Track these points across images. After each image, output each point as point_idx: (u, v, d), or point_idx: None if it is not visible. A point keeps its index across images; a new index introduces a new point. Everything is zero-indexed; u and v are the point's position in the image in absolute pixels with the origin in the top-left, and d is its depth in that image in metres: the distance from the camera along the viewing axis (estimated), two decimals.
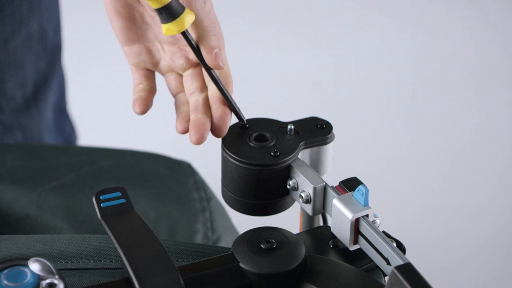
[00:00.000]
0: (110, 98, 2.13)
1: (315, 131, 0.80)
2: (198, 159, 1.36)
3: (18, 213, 0.98)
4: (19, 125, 1.27)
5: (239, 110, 0.79)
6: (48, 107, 1.30)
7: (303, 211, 0.84)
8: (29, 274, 0.63)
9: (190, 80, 0.83)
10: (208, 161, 1.35)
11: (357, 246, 0.72)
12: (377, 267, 0.71)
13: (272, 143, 0.77)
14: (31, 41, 1.21)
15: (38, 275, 0.63)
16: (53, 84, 1.29)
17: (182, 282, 0.62)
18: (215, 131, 0.78)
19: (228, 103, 0.78)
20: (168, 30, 0.74)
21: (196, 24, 0.77)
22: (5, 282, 0.62)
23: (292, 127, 0.79)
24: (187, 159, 1.12)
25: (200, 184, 1.07)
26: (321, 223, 0.84)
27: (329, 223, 0.76)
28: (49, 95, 1.29)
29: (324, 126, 0.80)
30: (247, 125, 0.79)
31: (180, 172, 1.08)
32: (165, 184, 1.05)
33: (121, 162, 1.07)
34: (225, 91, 0.78)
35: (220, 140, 0.78)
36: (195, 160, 1.19)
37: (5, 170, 1.03)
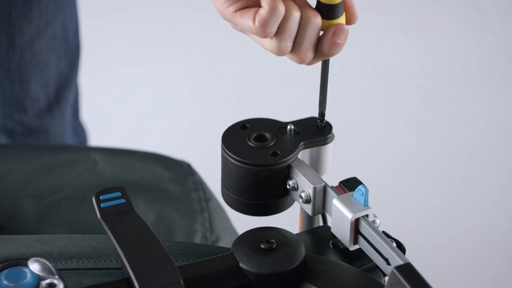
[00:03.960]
0: (110, 98, 2.13)
1: (315, 131, 0.80)
2: (198, 159, 1.36)
3: (19, 225, 0.99)
4: (43, 127, 1.28)
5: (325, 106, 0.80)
6: (68, 108, 1.31)
7: (303, 211, 0.84)
8: (29, 274, 0.63)
9: None
10: (208, 161, 1.35)
11: (357, 246, 0.72)
12: (377, 267, 0.71)
13: (272, 143, 0.77)
14: (55, 41, 1.22)
15: (38, 275, 0.63)
16: (72, 84, 1.29)
17: (182, 282, 0.62)
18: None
19: (322, 94, 0.79)
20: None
21: None
22: (5, 282, 0.62)
23: (292, 127, 0.79)
24: (187, 159, 1.12)
25: (199, 185, 1.07)
26: (321, 223, 0.84)
27: (329, 223, 0.76)
28: (69, 96, 1.30)
29: (324, 126, 0.80)
30: (324, 124, 0.80)
31: (179, 173, 1.08)
32: (164, 185, 1.05)
33: (121, 163, 1.07)
34: (325, 86, 0.79)
35: (220, 140, 0.78)
36: (195, 160, 1.19)
37: (8, 184, 1.03)
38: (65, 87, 1.27)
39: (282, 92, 2.18)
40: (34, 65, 1.21)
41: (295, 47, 0.74)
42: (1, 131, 1.26)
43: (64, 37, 1.23)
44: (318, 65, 0.79)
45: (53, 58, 1.23)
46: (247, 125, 0.79)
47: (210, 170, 1.20)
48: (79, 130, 1.39)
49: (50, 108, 1.27)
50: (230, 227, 1.06)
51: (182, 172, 1.08)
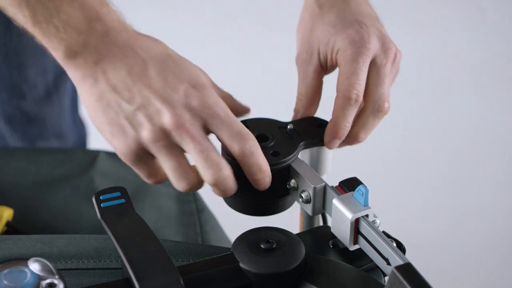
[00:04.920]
0: None
1: (315, 131, 0.80)
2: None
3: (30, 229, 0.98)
4: (41, 114, 1.27)
5: None
6: (66, 97, 1.30)
7: (303, 211, 0.84)
8: (29, 274, 0.63)
9: None
10: None
11: (357, 246, 0.72)
12: (377, 267, 0.71)
13: (272, 143, 0.77)
14: None
15: (38, 275, 0.63)
16: None
17: (182, 282, 0.62)
18: None
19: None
20: None
21: None
22: (5, 282, 0.62)
23: (292, 127, 0.79)
24: None
25: (191, 196, 1.05)
26: (321, 223, 0.84)
27: (329, 223, 0.75)
28: (67, 85, 1.29)
29: (324, 125, 0.80)
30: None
31: (171, 187, 1.05)
32: (154, 198, 1.03)
33: (114, 172, 1.06)
34: None
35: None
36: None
37: (6, 196, 1.02)
38: (63, 75, 1.27)
39: (282, 92, 2.18)
40: (31, 49, 1.21)
41: None
42: (1, 117, 1.26)
43: None
44: None
45: None
46: (247, 125, 0.79)
47: None
48: (78, 123, 1.38)
49: (48, 96, 1.26)
50: (223, 238, 1.04)
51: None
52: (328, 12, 0.83)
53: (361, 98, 0.79)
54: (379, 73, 0.80)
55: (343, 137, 0.79)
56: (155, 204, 1.03)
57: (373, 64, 0.80)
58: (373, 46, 0.80)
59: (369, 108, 0.80)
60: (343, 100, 0.78)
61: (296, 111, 0.84)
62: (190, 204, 1.04)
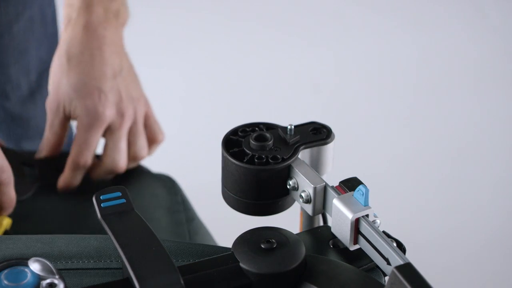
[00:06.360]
0: None
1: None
2: (191, 160, 1.36)
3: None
4: (25, 114, 1.27)
5: None
6: None
7: (303, 211, 0.84)
8: (29, 274, 0.63)
9: None
10: (203, 162, 1.35)
11: (357, 246, 0.72)
12: (377, 267, 0.71)
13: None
14: (33, 24, 1.21)
15: (38, 275, 0.63)
16: None
17: (182, 282, 0.62)
18: None
19: None
20: None
21: None
22: (5, 282, 0.62)
23: (292, 127, 0.79)
24: (175, 165, 1.10)
25: (181, 206, 1.04)
26: (321, 223, 0.84)
27: (329, 223, 0.75)
28: None
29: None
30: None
31: (160, 197, 1.04)
32: (144, 208, 1.02)
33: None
34: None
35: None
36: (186, 165, 1.19)
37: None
38: (46, 73, 1.27)
39: (282, 92, 2.18)
40: (12, 48, 1.21)
41: None
42: None
43: (42, 21, 1.23)
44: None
45: (33, 42, 1.23)
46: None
47: (207, 170, 1.20)
48: None
49: (32, 95, 1.26)
50: None
51: (163, 195, 1.04)
52: (73, 70, 0.94)
53: (89, 162, 0.96)
54: (113, 137, 0.95)
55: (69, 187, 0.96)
56: (144, 215, 1.02)
57: (109, 130, 0.95)
58: (108, 117, 0.94)
59: (103, 168, 0.97)
60: (72, 164, 0.95)
61: (40, 150, 0.99)
62: (179, 213, 1.03)
